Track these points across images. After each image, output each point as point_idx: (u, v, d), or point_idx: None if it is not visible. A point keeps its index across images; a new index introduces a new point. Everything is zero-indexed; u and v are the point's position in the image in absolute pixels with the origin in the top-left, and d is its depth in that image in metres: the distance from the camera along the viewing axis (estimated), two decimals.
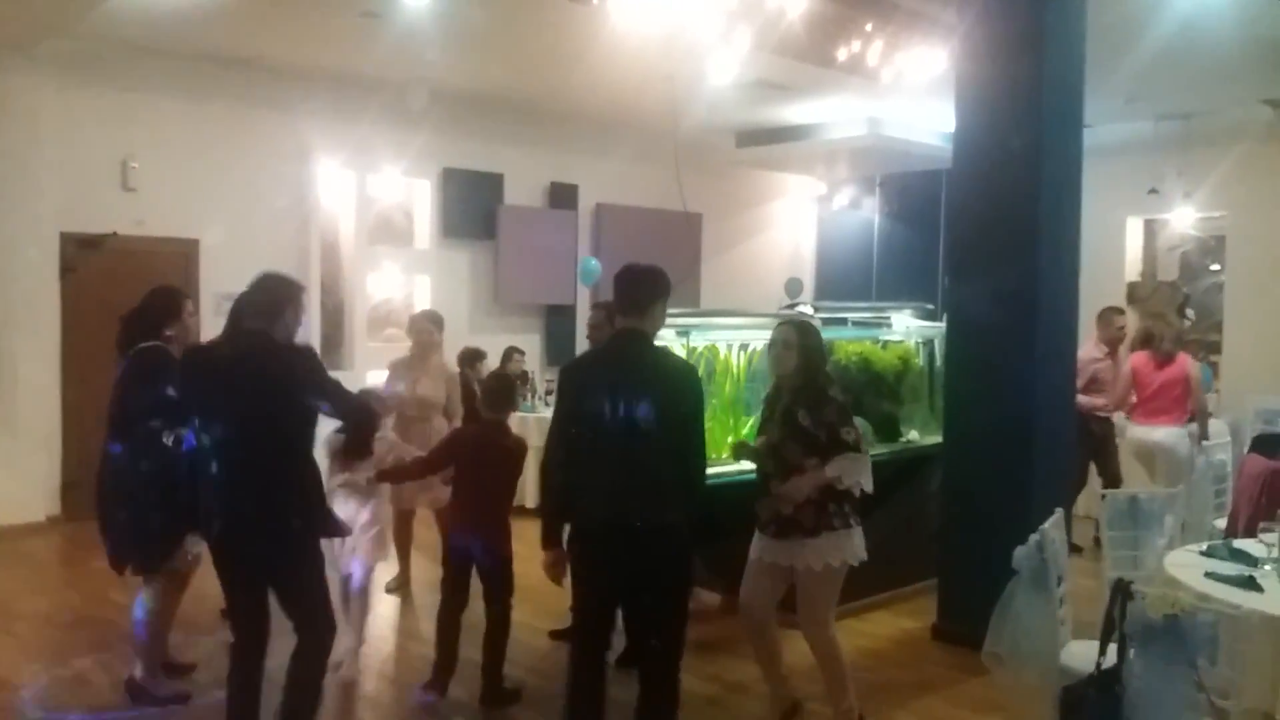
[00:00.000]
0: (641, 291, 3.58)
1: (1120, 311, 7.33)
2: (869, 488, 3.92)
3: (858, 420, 6.21)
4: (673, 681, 3.58)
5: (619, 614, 3.74)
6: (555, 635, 5.13)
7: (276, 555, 3.50)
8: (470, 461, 4.41)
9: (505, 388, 4.64)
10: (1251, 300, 9.82)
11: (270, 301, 3.58)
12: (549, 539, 3.60)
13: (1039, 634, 3.44)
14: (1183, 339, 7.45)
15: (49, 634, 5.34)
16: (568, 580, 3.61)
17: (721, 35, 6.32)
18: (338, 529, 3.84)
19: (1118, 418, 7.34)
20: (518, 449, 4.50)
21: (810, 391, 3.93)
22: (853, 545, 3.92)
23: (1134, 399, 7.07)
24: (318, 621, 3.58)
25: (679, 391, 3.50)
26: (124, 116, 7.94)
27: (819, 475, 3.81)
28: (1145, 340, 7.20)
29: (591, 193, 10.83)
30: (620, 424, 3.39)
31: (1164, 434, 6.86)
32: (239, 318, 3.71)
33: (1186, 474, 6.44)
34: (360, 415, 4.03)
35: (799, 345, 3.96)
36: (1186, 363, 7.03)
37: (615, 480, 3.41)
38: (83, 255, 7.77)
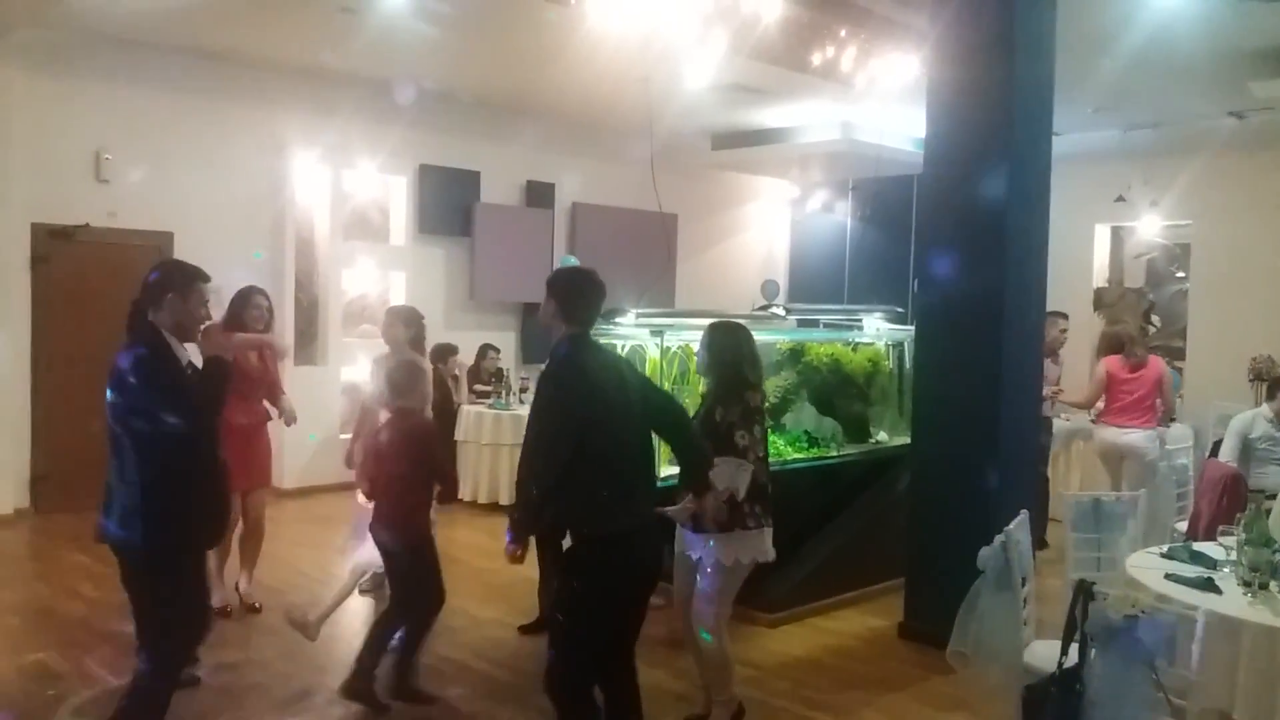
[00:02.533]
0: (598, 301, 3.57)
1: (1064, 315, 7.39)
2: (740, 495, 3.94)
3: (826, 420, 6.38)
4: (635, 670, 3.68)
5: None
6: (525, 630, 5.16)
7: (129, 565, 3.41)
8: (379, 452, 4.38)
9: (408, 375, 4.54)
10: (1214, 307, 10.01)
11: (152, 287, 3.47)
12: (524, 534, 3.54)
13: (1003, 633, 3.51)
14: (1147, 344, 7.56)
15: (15, 627, 5.29)
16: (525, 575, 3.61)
17: (698, 39, 6.37)
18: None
19: (1081, 419, 7.48)
20: (417, 434, 4.39)
21: (725, 391, 4.05)
22: (762, 545, 4.03)
23: (1102, 402, 7.18)
24: (157, 640, 3.42)
25: (639, 377, 3.65)
26: (98, 108, 7.88)
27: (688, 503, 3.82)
28: (1116, 344, 7.26)
29: (568, 192, 10.86)
30: (631, 425, 3.45)
31: (1137, 436, 6.92)
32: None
33: (1150, 477, 6.58)
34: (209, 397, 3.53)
35: (711, 346, 4.12)
36: (1159, 366, 7.12)
37: (634, 483, 3.43)
38: (54, 246, 7.69)
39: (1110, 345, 7.32)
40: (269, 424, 5.78)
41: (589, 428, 3.32)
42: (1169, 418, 7.32)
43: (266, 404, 5.74)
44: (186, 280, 3.51)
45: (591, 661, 3.47)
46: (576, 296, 3.51)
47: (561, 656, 3.45)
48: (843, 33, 6.59)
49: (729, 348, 4.12)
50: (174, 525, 3.37)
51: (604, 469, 3.34)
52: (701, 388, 4.49)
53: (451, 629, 5.05)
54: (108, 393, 3.36)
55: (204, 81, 8.28)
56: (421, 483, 4.35)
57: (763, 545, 4.02)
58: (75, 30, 7.42)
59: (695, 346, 5.68)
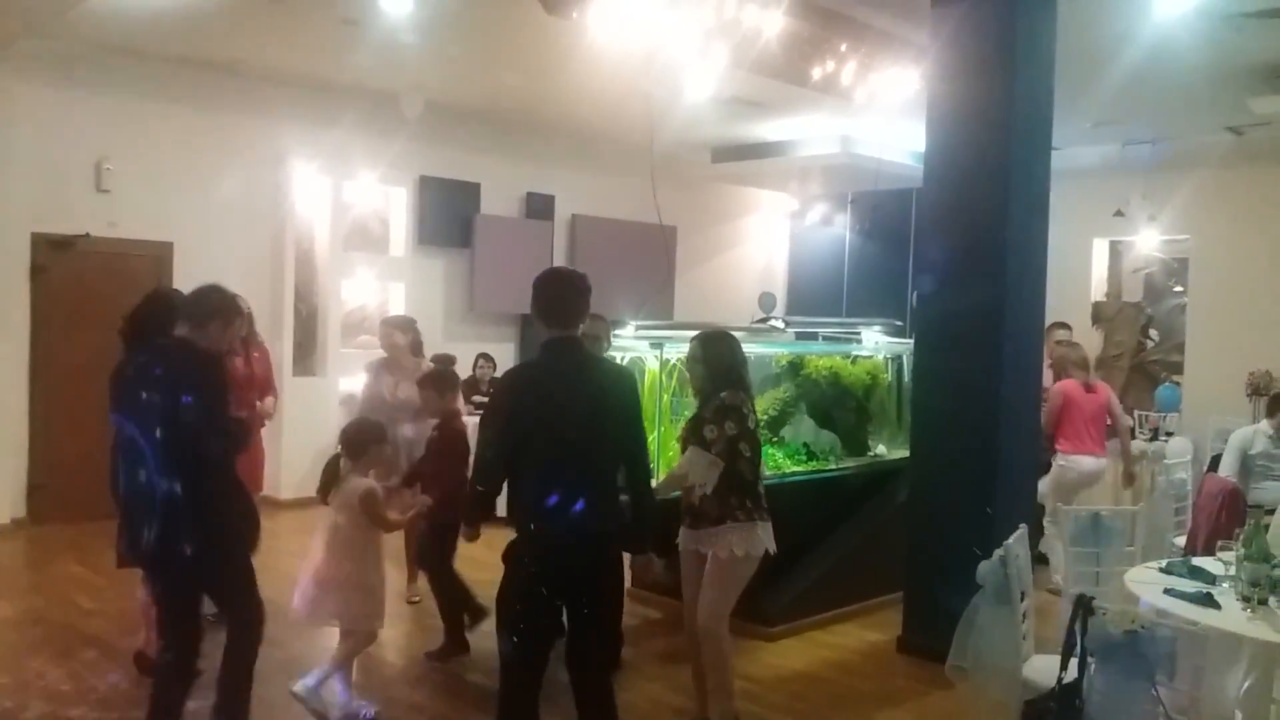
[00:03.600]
0: (584, 302, 3.57)
1: (1066, 326, 7.23)
2: (708, 489, 4.03)
3: (825, 433, 6.38)
4: (611, 691, 3.63)
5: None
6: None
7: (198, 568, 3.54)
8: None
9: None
10: (1213, 322, 10.03)
11: (200, 311, 3.65)
12: (472, 518, 3.78)
13: (1002, 648, 3.50)
14: (1086, 364, 6.90)
15: (11, 638, 5.27)
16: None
17: (699, 53, 6.39)
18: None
19: None
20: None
21: (710, 390, 4.15)
22: (757, 537, 4.07)
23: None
24: (246, 612, 3.70)
25: (624, 395, 3.58)
26: (99, 118, 7.89)
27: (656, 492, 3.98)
28: (1066, 368, 6.77)
29: (568, 204, 10.87)
30: (578, 431, 3.40)
31: (1102, 463, 6.63)
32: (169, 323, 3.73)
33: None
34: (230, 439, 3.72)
35: (702, 357, 4.20)
36: (1106, 389, 6.86)
37: (575, 488, 3.38)
38: (54, 256, 7.70)
39: (1063, 369, 6.78)
40: (262, 431, 5.79)
41: (523, 430, 3.38)
42: (1130, 433, 7.14)
43: (258, 405, 5.75)
44: (232, 312, 3.75)
45: (523, 670, 3.43)
46: (554, 299, 3.51)
47: (501, 669, 3.50)
48: (843, 47, 6.61)
49: (718, 355, 4.20)
50: (242, 526, 3.70)
51: (531, 471, 3.38)
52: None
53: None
54: (165, 400, 3.44)
55: (205, 92, 8.30)
56: (458, 481, 4.50)
57: (756, 536, 4.06)
58: (77, 41, 7.44)
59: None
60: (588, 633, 3.49)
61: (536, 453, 3.39)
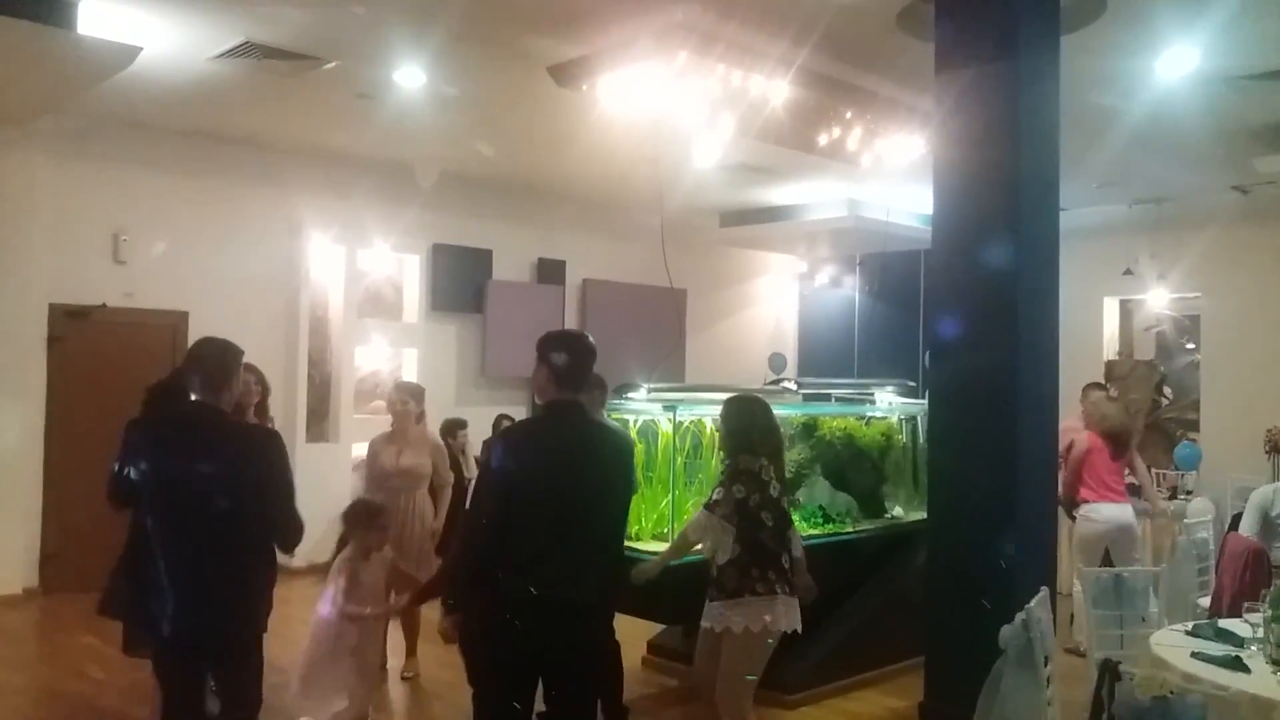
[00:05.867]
0: (588, 365, 3.54)
1: (1102, 386, 7.21)
2: (723, 558, 3.95)
3: (841, 495, 6.34)
4: None
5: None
6: None
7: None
8: None
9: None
10: (1227, 379, 9.98)
11: (224, 371, 3.45)
12: (460, 602, 3.44)
13: (1027, 714, 3.43)
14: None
15: (23, 709, 5.21)
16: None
17: (706, 121, 6.50)
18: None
19: None
20: None
21: (728, 457, 4.15)
22: (775, 612, 3.95)
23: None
24: (249, 709, 3.46)
25: (624, 465, 3.55)
26: (116, 190, 8.04)
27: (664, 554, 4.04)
28: (1113, 435, 6.68)
29: (579, 268, 10.97)
30: (578, 495, 3.32)
31: (1129, 511, 6.57)
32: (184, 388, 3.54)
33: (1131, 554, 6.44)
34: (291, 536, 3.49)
35: (720, 421, 4.24)
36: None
37: (565, 555, 3.27)
38: (71, 326, 7.78)
39: (1107, 433, 6.70)
40: None
41: (516, 492, 3.27)
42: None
43: None
44: (238, 364, 3.57)
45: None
46: (571, 363, 3.47)
47: None
48: (848, 114, 6.71)
49: (733, 419, 4.20)
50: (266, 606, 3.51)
51: (520, 534, 3.25)
52: (716, 464, 4.51)
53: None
54: (221, 472, 3.26)
55: (221, 164, 8.45)
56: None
57: (775, 612, 3.94)
58: (96, 116, 7.61)
59: (707, 421, 5.74)
60: (567, 708, 3.39)
61: (533, 513, 3.26)
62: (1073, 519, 6.61)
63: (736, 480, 4.00)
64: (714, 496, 4.03)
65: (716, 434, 4.40)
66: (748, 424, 4.15)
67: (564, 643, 3.30)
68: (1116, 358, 11.10)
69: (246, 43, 5.99)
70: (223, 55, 6.18)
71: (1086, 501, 6.48)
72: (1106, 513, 6.42)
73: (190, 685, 3.42)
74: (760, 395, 4.58)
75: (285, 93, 6.99)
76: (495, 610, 3.27)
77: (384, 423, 6.04)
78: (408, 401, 5.83)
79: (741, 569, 3.93)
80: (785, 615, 3.97)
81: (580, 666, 3.42)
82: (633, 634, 5.50)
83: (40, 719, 5.05)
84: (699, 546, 4.08)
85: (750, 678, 4.02)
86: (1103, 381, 7.63)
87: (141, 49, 5.69)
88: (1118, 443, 6.63)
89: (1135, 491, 6.81)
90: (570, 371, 3.46)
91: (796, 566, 4.13)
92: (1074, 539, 6.52)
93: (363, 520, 4.63)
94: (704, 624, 4.06)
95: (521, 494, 3.28)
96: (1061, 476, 6.35)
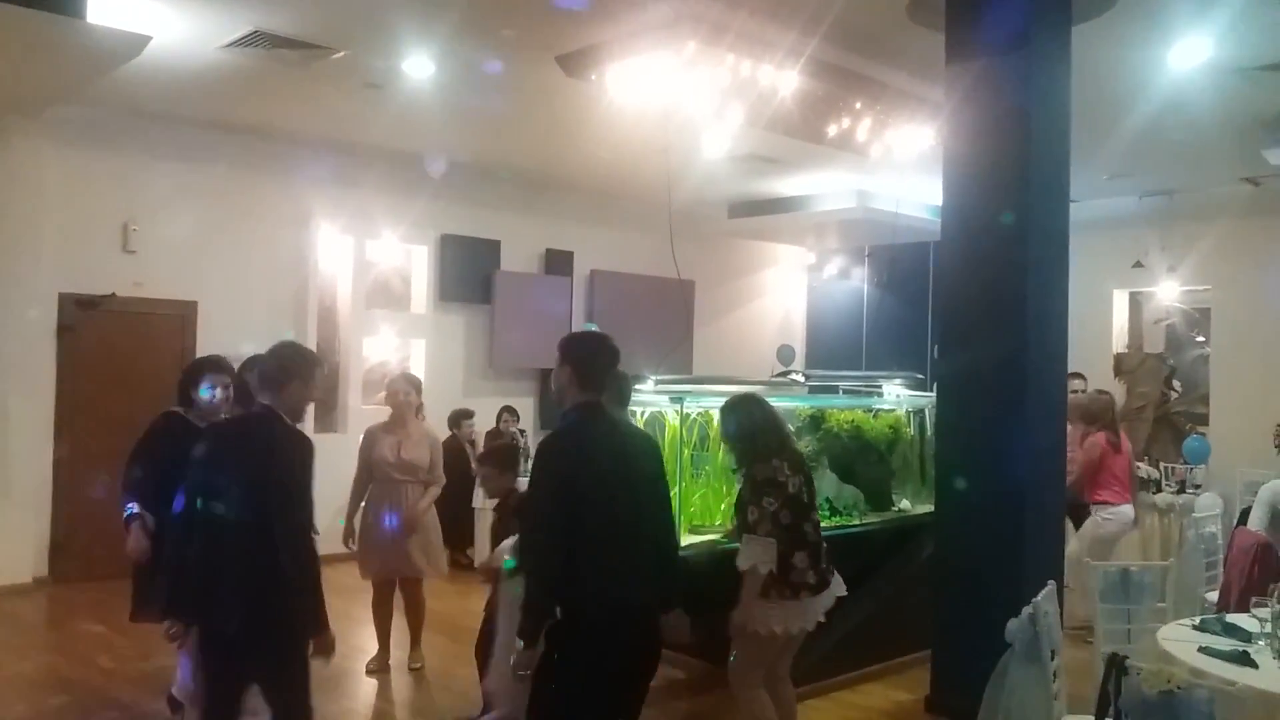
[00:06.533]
0: (612, 366, 3.50)
1: (1080, 376, 7.21)
2: (766, 569, 3.91)
3: (848, 488, 6.33)
4: None
5: None
6: None
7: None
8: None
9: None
10: (1237, 372, 9.93)
11: (279, 372, 3.49)
12: (536, 635, 3.20)
13: (1033, 708, 3.42)
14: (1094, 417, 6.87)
15: (33, 697, 5.24)
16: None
17: (715, 112, 6.47)
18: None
19: None
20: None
21: (744, 466, 4.11)
22: (786, 615, 3.97)
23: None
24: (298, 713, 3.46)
25: (660, 461, 3.54)
26: (126, 180, 8.05)
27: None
28: (1093, 418, 6.80)
29: (586, 259, 10.96)
30: (632, 501, 3.31)
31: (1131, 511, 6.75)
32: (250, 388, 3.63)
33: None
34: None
35: (723, 428, 4.23)
36: (1127, 443, 6.87)
37: (628, 561, 3.25)
38: (80, 315, 7.81)
39: (1088, 417, 6.80)
40: None
41: (581, 501, 3.18)
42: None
43: None
44: (312, 368, 3.56)
45: None
46: (593, 362, 3.44)
47: None
48: (858, 105, 6.68)
49: (733, 422, 4.16)
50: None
51: (590, 544, 3.17)
52: (723, 457, 4.49)
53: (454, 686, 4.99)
54: (267, 476, 3.31)
55: (230, 155, 8.46)
56: None
57: (786, 615, 3.98)
58: (105, 105, 7.62)
59: (715, 413, 5.73)
60: (633, 709, 3.39)
61: (600, 521, 3.19)
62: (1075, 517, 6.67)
63: (764, 493, 3.96)
64: (750, 517, 3.93)
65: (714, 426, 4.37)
66: (750, 429, 4.10)
67: (639, 648, 3.31)
68: (1126, 350, 11.06)
69: (255, 32, 5.98)
70: (232, 45, 6.18)
71: (1109, 504, 6.64)
72: (1127, 514, 6.67)
73: (230, 679, 3.41)
74: (756, 390, 4.54)
75: (294, 82, 6.98)
76: (571, 631, 3.20)
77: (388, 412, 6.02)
78: (410, 392, 5.83)
79: (771, 575, 3.92)
80: (803, 617, 4.03)
81: (650, 668, 3.42)
82: None
83: (50, 707, 5.08)
84: (743, 566, 3.94)
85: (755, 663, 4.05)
86: (1079, 372, 7.58)
87: (151, 38, 5.69)
88: (1103, 426, 6.74)
89: (1144, 486, 6.86)
90: (593, 373, 3.43)
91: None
92: (1089, 536, 6.62)
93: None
94: (764, 629, 3.97)
95: (587, 503, 3.20)
96: (1072, 474, 6.35)
